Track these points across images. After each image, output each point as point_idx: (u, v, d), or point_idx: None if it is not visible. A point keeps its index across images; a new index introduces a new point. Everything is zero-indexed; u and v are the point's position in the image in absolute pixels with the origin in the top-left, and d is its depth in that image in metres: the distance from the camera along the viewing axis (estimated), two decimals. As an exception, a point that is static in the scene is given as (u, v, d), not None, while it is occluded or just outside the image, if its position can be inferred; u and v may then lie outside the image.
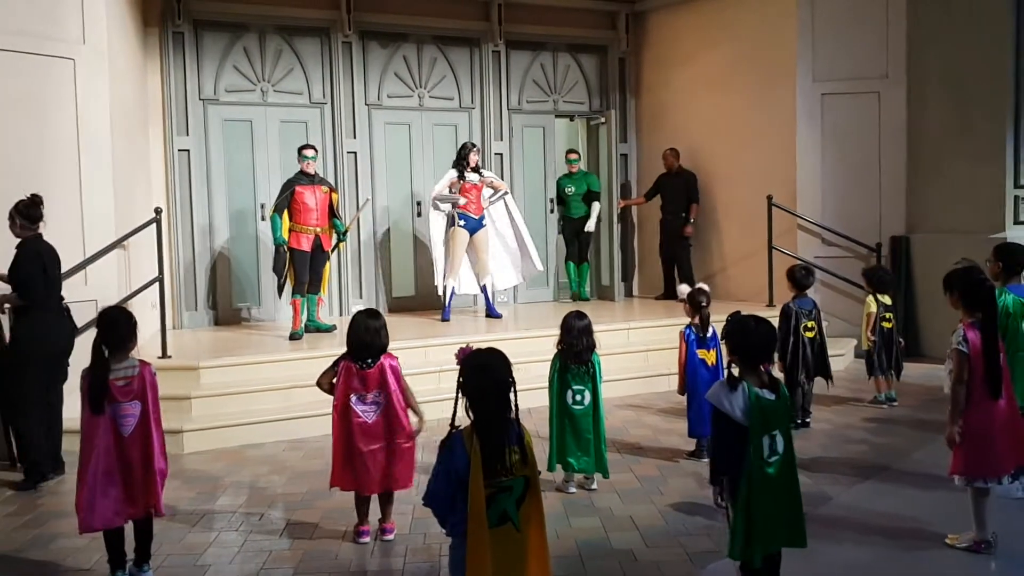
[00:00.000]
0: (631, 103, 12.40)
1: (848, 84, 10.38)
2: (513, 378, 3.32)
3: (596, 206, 11.48)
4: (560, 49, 11.99)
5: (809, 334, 7.26)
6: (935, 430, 5.42)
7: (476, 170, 9.79)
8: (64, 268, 6.44)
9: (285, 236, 8.79)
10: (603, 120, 11.92)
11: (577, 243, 11.60)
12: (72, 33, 7.25)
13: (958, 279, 4.79)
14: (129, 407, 4.42)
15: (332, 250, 9.25)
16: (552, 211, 11.99)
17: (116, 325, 4.50)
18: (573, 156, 11.62)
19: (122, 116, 8.05)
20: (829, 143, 10.45)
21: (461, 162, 9.70)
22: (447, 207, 9.76)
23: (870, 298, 8.01)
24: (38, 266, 6.06)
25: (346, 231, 9.39)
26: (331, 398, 5.02)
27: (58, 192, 7.09)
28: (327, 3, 10.51)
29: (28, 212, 6.12)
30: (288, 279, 8.94)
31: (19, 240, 6.14)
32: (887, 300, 8.02)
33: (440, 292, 9.97)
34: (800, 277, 7.43)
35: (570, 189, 11.51)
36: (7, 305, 6.17)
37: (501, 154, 11.57)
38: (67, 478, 6.07)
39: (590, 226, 11.45)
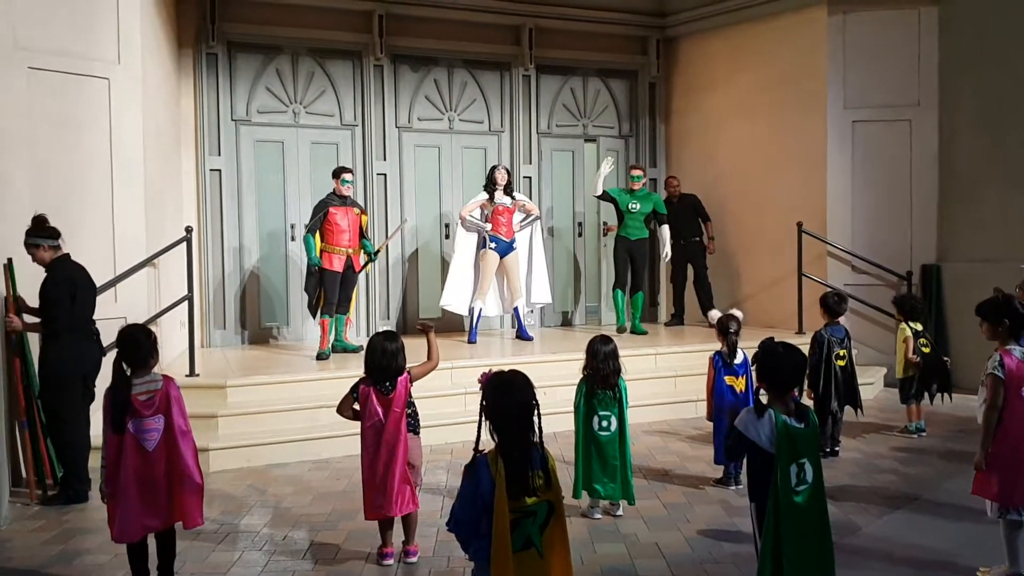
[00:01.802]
0: (660, 128, 12.39)
1: (879, 111, 10.33)
2: (537, 400, 3.30)
3: (666, 230, 10.70)
4: (590, 74, 12.02)
5: (840, 362, 7.20)
6: (966, 460, 5.35)
7: (508, 193, 9.81)
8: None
9: (318, 256, 8.84)
10: (613, 151, 11.95)
11: (631, 269, 10.55)
12: (107, 53, 7.34)
13: (996, 308, 4.72)
14: (152, 422, 4.42)
15: (360, 271, 9.27)
16: (581, 234, 11.98)
17: (137, 343, 4.51)
18: (637, 172, 10.58)
19: (155, 135, 8.13)
20: (860, 170, 10.40)
21: (490, 184, 9.74)
22: (476, 230, 9.79)
23: (903, 326, 7.92)
24: (67, 292, 6.06)
25: (377, 252, 9.42)
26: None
27: (90, 210, 7.18)
28: (359, 26, 10.61)
29: (49, 232, 6.12)
30: (318, 299, 9.00)
31: (48, 263, 6.15)
32: (918, 327, 7.93)
33: (453, 311, 10.05)
34: (833, 304, 7.37)
35: (635, 205, 10.44)
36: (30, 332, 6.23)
37: (530, 177, 11.58)
38: (91, 495, 6.11)
39: (667, 254, 10.72)
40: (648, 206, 10.51)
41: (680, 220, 11.06)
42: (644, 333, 10.42)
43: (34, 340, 6.35)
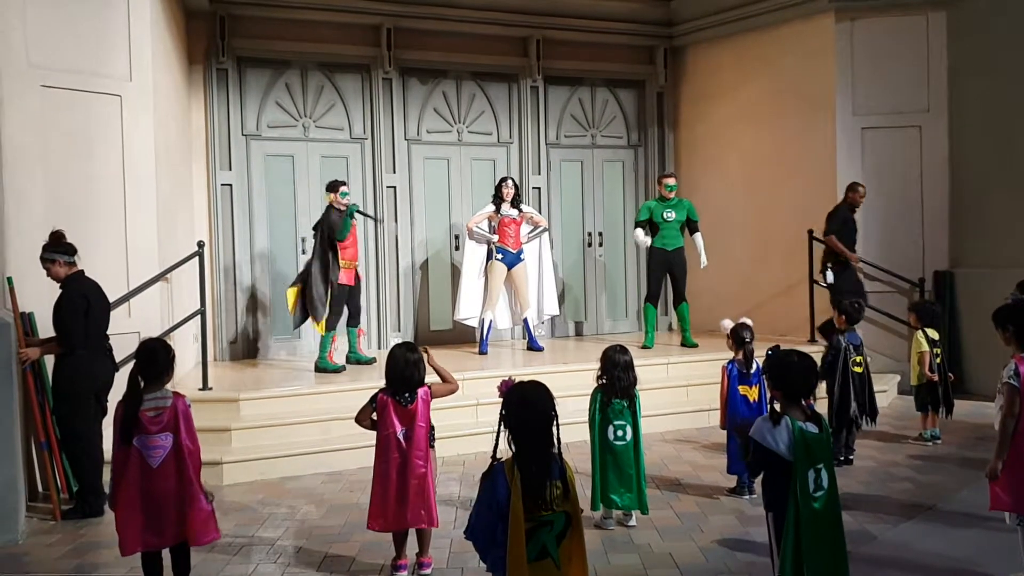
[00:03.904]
0: (669, 137, 12.39)
1: (889, 118, 10.33)
2: (556, 412, 3.31)
3: (700, 237, 10.15)
4: (598, 84, 12.04)
5: (857, 368, 7.18)
6: (981, 468, 5.33)
7: (515, 205, 9.83)
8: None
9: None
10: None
11: (669, 280, 10.25)
12: (119, 70, 7.39)
13: (1011, 314, 4.70)
14: (159, 439, 4.40)
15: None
16: (590, 244, 11.99)
17: (155, 357, 4.51)
18: (671, 181, 10.12)
19: (166, 151, 8.18)
20: (870, 177, 10.37)
21: (496, 197, 9.79)
22: (483, 242, 9.83)
23: (919, 335, 7.88)
24: (80, 309, 6.08)
25: (355, 214, 9.04)
26: (369, 431, 5.01)
27: (103, 226, 7.22)
28: (368, 40, 10.66)
29: (66, 247, 6.18)
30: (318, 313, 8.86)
31: (62, 279, 6.18)
32: (934, 335, 7.91)
33: (468, 323, 10.07)
34: (852, 311, 7.33)
35: (670, 214, 9.99)
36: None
37: (539, 188, 11.60)
38: (106, 508, 6.10)
39: (704, 262, 10.07)
40: (682, 214, 10.07)
41: (851, 235, 9.96)
42: (695, 345, 10.01)
43: (49, 356, 6.38)
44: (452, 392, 5.20)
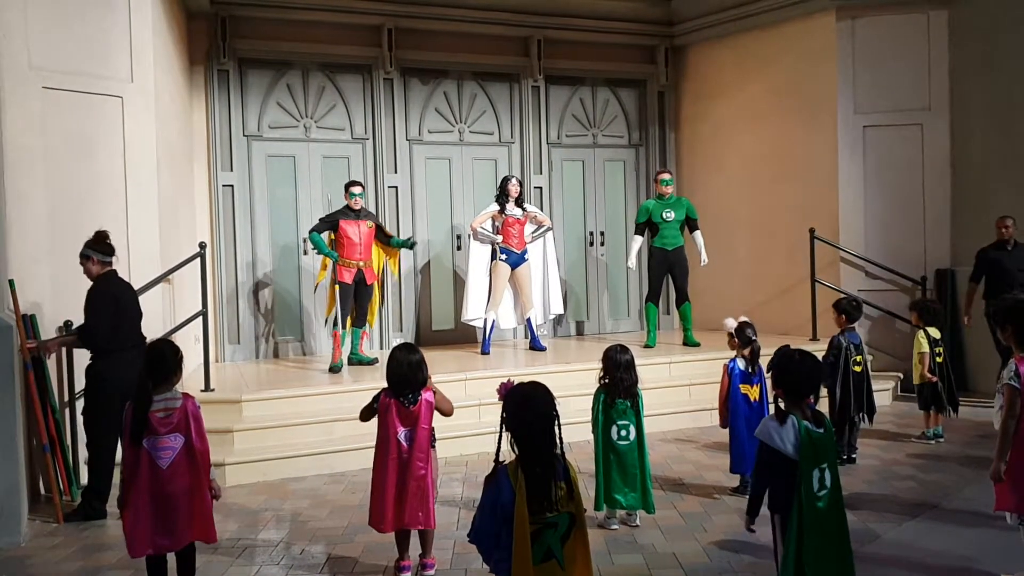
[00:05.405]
0: (671, 136, 12.38)
1: (890, 116, 10.32)
2: (557, 412, 3.30)
3: (700, 236, 10.07)
4: (599, 83, 12.04)
5: (857, 368, 7.17)
6: (984, 467, 5.33)
7: (519, 204, 9.83)
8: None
9: (330, 249, 8.94)
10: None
11: (670, 280, 10.18)
12: (120, 72, 7.39)
13: (1011, 313, 4.69)
14: (168, 440, 4.40)
15: (403, 245, 9.39)
16: (591, 243, 11.98)
17: (163, 358, 4.51)
18: (666, 176, 10.05)
19: (168, 152, 8.17)
20: (872, 175, 10.37)
21: (502, 195, 9.77)
22: (487, 242, 9.82)
23: (920, 335, 7.87)
24: (107, 307, 6.11)
25: (410, 242, 9.45)
26: (372, 432, 5.00)
27: (105, 226, 7.13)
28: (369, 41, 10.66)
29: (104, 247, 6.24)
30: (327, 310, 9.20)
31: (94, 277, 6.21)
32: (936, 334, 7.89)
33: (476, 324, 10.05)
34: (851, 309, 7.34)
35: (669, 214, 9.91)
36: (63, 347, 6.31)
37: (541, 188, 11.60)
38: (109, 511, 6.12)
39: (705, 260, 10.01)
40: (681, 212, 10.00)
41: (1002, 274, 8.97)
42: (698, 344, 9.91)
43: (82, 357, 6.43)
44: (447, 412, 5.15)
